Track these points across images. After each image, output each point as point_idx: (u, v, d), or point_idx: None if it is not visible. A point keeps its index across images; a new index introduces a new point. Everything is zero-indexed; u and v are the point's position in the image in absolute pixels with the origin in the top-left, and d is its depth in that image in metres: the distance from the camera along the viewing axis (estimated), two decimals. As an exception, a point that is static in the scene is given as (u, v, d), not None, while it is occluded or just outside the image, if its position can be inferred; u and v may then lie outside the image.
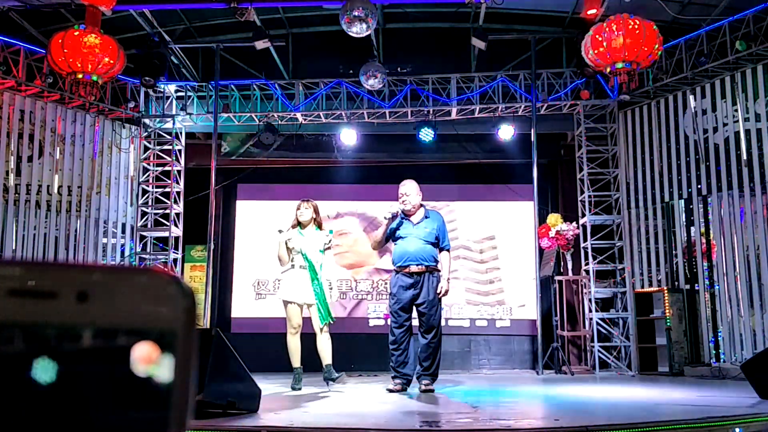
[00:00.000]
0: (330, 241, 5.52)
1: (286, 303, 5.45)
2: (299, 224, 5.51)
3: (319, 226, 5.54)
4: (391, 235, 5.38)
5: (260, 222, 9.96)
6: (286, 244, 5.41)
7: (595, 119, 8.89)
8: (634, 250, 8.44)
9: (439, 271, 5.29)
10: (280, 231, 5.48)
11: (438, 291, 5.22)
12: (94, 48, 6.44)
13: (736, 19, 7.20)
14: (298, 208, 5.54)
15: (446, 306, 9.55)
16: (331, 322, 5.41)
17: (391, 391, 5.18)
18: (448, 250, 5.40)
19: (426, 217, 5.36)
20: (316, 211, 5.54)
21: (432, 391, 5.14)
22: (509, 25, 8.74)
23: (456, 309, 9.63)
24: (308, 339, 5.54)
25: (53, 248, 8.08)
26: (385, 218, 5.36)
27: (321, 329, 5.37)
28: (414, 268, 5.21)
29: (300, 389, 5.32)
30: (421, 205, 5.42)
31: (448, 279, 5.32)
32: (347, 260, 9.79)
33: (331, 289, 5.74)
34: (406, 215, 5.35)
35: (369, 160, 9.81)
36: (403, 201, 5.32)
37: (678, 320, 7.60)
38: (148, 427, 0.38)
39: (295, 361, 5.43)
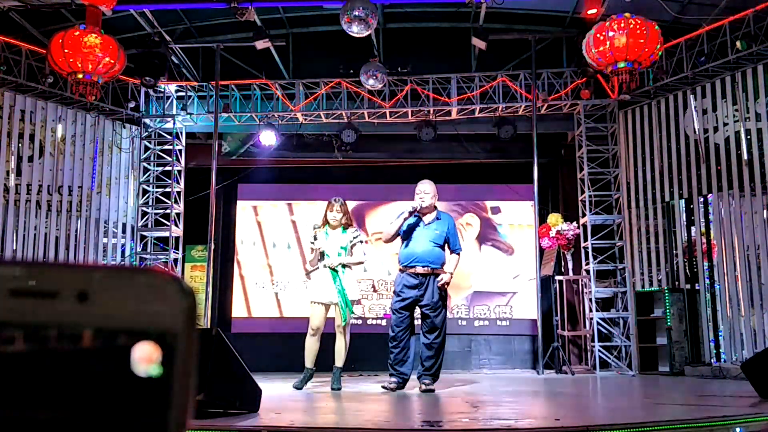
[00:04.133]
0: (355, 238, 5.46)
1: (311, 303, 5.45)
2: (327, 223, 5.49)
3: (346, 227, 5.48)
4: (402, 232, 5.38)
5: (260, 222, 9.97)
6: (312, 244, 5.42)
7: (596, 119, 8.88)
8: (634, 249, 8.44)
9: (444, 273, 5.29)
10: (315, 227, 5.47)
11: (439, 280, 5.21)
12: (94, 48, 6.44)
13: (737, 18, 7.19)
14: (330, 209, 5.47)
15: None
16: (352, 313, 5.40)
17: (385, 388, 5.17)
18: (458, 253, 5.38)
19: (437, 219, 5.35)
20: (346, 213, 5.49)
21: (432, 391, 5.14)
22: (509, 25, 8.73)
23: (456, 309, 9.63)
24: (325, 342, 5.51)
25: (53, 248, 8.08)
26: (403, 213, 5.34)
27: (341, 327, 5.35)
28: (420, 270, 5.21)
29: (300, 389, 5.32)
30: (435, 207, 5.42)
31: (452, 273, 5.30)
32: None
33: (359, 283, 5.70)
34: (420, 214, 5.36)
35: (369, 160, 9.81)
36: (422, 198, 5.31)
37: (678, 320, 7.60)
38: (148, 427, 0.38)
39: (308, 361, 5.40)
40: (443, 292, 5.30)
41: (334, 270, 5.33)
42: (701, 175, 7.86)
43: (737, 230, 7.45)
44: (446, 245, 5.34)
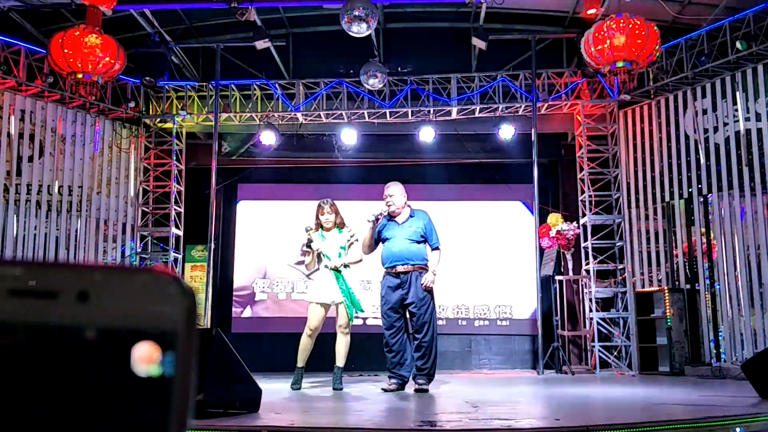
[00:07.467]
0: (352, 236, 5.49)
1: (313, 303, 5.45)
2: (321, 226, 5.50)
3: (341, 227, 5.51)
4: (379, 238, 5.41)
5: (261, 222, 9.96)
6: (309, 247, 5.42)
7: (596, 119, 8.88)
8: (634, 249, 8.44)
9: (427, 269, 5.28)
10: (307, 230, 5.47)
11: (423, 281, 5.21)
12: (94, 48, 6.45)
13: (737, 18, 7.19)
14: (321, 213, 5.49)
15: (447, 305, 9.55)
16: (361, 311, 5.43)
17: (385, 390, 5.19)
18: (438, 248, 5.38)
19: (411, 217, 5.38)
20: (337, 212, 5.52)
21: (426, 391, 5.13)
22: (509, 24, 8.74)
23: (456, 309, 9.63)
24: (320, 343, 5.52)
25: (53, 248, 8.08)
26: (368, 221, 5.37)
27: (343, 327, 5.36)
28: (400, 268, 5.24)
29: (299, 389, 5.32)
30: (407, 206, 5.44)
31: (434, 272, 5.29)
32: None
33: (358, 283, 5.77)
34: (392, 216, 5.37)
35: (369, 160, 9.80)
36: (388, 203, 5.35)
37: (678, 320, 7.60)
38: (148, 427, 0.38)
39: (301, 360, 5.42)
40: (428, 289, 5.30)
41: (337, 271, 5.34)
42: (701, 175, 7.86)
43: (737, 230, 7.45)
44: (426, 242, 5.35)
